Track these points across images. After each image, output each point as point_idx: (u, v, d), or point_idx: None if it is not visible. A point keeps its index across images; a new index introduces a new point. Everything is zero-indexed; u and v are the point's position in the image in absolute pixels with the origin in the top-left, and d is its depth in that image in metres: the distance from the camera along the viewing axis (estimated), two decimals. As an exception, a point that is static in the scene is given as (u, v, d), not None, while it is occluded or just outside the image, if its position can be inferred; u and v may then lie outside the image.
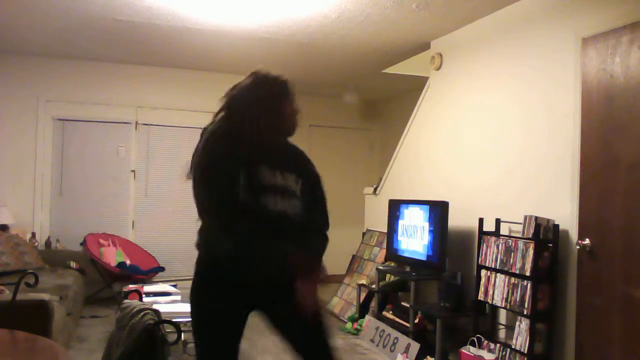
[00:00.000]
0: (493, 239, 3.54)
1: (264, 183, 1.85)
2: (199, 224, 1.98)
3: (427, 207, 4.21)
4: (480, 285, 3.58)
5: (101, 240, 5.51)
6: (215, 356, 1.90)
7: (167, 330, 2.34)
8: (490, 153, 4.00)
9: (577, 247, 3.12)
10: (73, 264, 5.11)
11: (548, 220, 3.26)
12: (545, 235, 3.22)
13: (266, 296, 1.92)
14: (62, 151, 5.89)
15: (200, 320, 1.91)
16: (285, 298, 1.83)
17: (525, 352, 3.17)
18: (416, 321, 4.06)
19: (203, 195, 1.87)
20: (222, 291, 1.88)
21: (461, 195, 4.22)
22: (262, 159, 1.88)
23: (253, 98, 1.94)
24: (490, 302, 3.50)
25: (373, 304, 4.85)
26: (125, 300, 2.83)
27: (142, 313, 2.36)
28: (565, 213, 3.23)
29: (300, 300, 1.80)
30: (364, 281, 5.05)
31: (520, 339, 3.23)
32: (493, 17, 4.04)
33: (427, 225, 4.18)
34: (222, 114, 1.97)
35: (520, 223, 3.41)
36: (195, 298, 1.92)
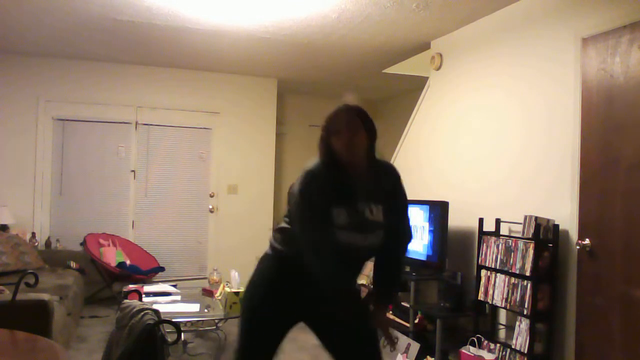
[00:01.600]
0: (493, 239, 3.54)
1: (350, 221, 1.93)
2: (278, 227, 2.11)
3: (427, 207, 4.21)
4: (480, 285, 3.58)
5: (101, 240, 5.51)
6: (256, 350, 2.00)
7: (167, 330, 2.33)
8: (490, 153, 4.00)
9: (577, 247, 3.12)
10: (73, 264, 5.11)
11: (548, 220, 3.26)
12: (545, 235, 3.22)
13: (325, 313, 2.02)
14: (62, 151, 5.89)
15: (254, 315, 2.02)
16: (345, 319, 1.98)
17: (525, 352, 3.17)
18: (416, 321, 4.06)
19: (299, 228, 1.96)
20: (289, 296, 1.99)
21: (461, 195, 4.22)
22: (352, 194, 1.96)
23: (334, 131, 1.99)
24: (490, 302, 3.50)
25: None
26: (125, 300, 2.82)
27: (142, 313, 2.35)
28: (565, 213, 3.23)
29: (377, 325, 2.03)
30: (364, 281, 5.05)
31: (520, 339, 3.23)
32: (493, 17, 4.04)
33: (427, 225, 4.18)
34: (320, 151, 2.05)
35: (520, 223, 3.41)
36: (260, 290, 2.02)
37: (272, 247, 2.10)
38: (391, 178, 2.13)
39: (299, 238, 1.93)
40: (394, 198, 2.11)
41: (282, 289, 2.00)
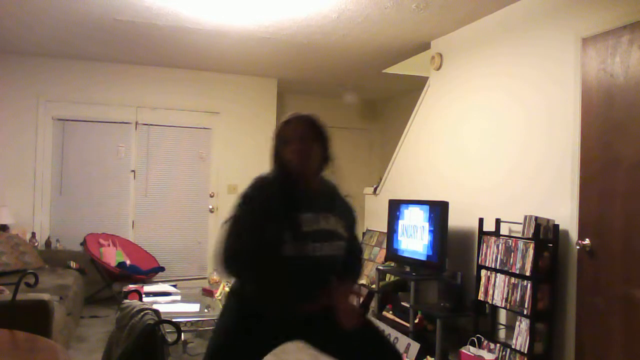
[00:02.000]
0: (493, 239, 3.54)
1: (308, 230, 1.86)
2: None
3: (427, 207, 4.21)
4: (480, 285, 3.58)
5: (101, 240, 5.51)
6: None
7: (167, 330, 2.33)
8: (490, 153, 4.00)
9: (577, 247, 3.12)
10: (73, 264, 5.11)
11: (548, 220, 3.26)
12: (545, 235, 3.22)
13: (306, 329, 1.98)
14: (62, 151, 5.89)
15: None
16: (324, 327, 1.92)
17: (525, 352, 3.17)
18: (416, 321, 4.06)
19: (240, 247, 1.84)
20: (262, 339, 1.92)
21: (461, 196, 4.22)
22: (305, 205, 1.90)
23: (286, 142, 1.92)
24: (490, 302, 3.50)
25: (373, 304, 4.85)
26: (125, 300, 2.83)
27: (142, 313, 2.36)
28: (565, 213, 3.24)
29: (340, 319, 1.88)
30: (364, 281, 5.05)
31: (520, 339, 3.23)
32: (493, 17, 4.04)
33: (427, 225, 4.18)
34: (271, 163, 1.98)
35: (520, 223, 3.41)
36: (230, 342, 1.91)
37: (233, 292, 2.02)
38: (338, 196, 2.09)
39: (237, 255, 1.82)
40: (345, 214, 2.05)
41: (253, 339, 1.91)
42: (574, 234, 3.18)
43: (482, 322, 3.64)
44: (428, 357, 3.77)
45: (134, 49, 5.37)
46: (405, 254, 4.44)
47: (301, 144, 1.90)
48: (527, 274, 3.20)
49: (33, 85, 5.74)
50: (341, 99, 7.39)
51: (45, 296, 3.01)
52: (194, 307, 3.96)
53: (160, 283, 4.77)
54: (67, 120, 5.91)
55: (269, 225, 1.80)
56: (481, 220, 3.70)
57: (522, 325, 3.23)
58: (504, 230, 3.62)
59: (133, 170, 6.12)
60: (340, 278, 1.96)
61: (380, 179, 5.70)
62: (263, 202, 1.84)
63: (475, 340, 3.51)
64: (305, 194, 1.92)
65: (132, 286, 4.36)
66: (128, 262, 5.41)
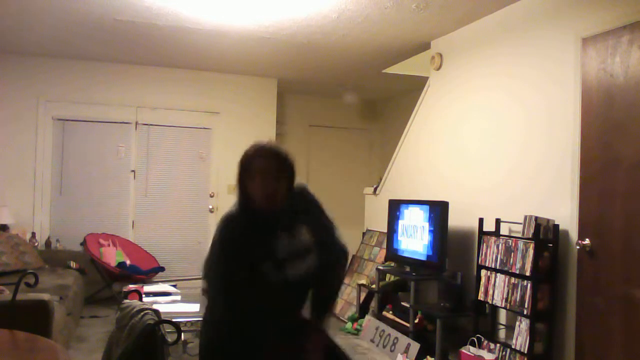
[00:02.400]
0: (493, 239, 3.54)
1: (279, 256, 1.87)
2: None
3: (427, 207, 4.21)
4: (480, 285, 3.58)
5: (101, 240, 5.51)
6: None
7: (167, 330, 2.33)
8: (490, 153, 4.00)
9: (577, 247, 3.12)
10: (73, 264, 5.11)
11: (548, 220, 3.26)
12: (545, 235, 3.22)
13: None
14: (62, 151, 5.89)
15: None
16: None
17: (525, 352, 3.17)
18: (416, 321, 4.06)
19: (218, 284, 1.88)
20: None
21: (461, 196, 4.22)
22: (271, 232, 1.90)
23: (251, 171, 1.91)
24: (490, 302, 3.50)
25: (373, 304, 4.85)
26: (125, 300, 2.82)
27: (142, 313, 2.35)
28: (565, 213, 3.23)
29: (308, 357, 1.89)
30: (364, 281, 5.05)
31: (520, 339, 3.23)
32: (493, 17, 4.04)
33: (427, 225, 4.18)
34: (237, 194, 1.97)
35: (520, 223, 3.41)
36: None
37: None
38: (307, 203, 2.06)
39: (213, 295, 1.85)
40: (313, 219, 2.03)
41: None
42: (574, 234, 3.18)
43: (482, 322, 3.64)
44: (428, 357, 3.77)
45: (134, 49, 5.37)
46: (405, 254, 4.44)
47: (267, 179, 1.88)
48: (527, 274, 3.20)
49: (33, 85, 5.74)
50: (341, 99, 7.39)
51: (45, 296, 3.01)
52: (194, 307, 3.96)
53: (160, 283, 4.77)
54: (67, 120, 5.91)
55: (239, 264, 1.82)
56: (481, 220, 3.70)
57: (522, 325, 3.23)
58: (504, 230, 3.62)
59: (133, 170, 6.12)
60: (315, 300, 1.96)
61: (380, 179, 5.70)
62: (230, 242, 1.87)
63: (475, 340, 3.51)
64: (272, 220, 1.92)
65: (132, 286, 4.37)
66: (128, 262, 5.41)
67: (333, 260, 2.02)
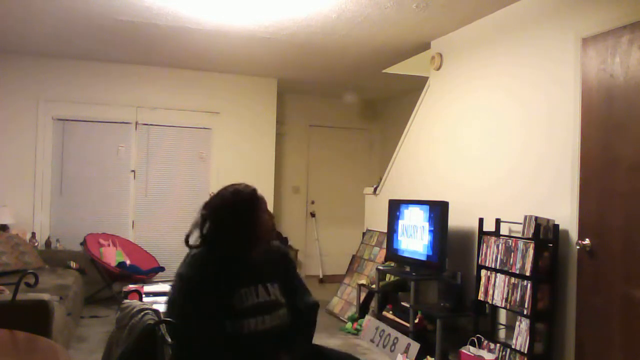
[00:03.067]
0: (493, 239, 3.54)
1: (247, 305, 1.84)
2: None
3: (427, 207, 4.21)
4: (480, 285, 3.58)
5: (101, 240, 5.51)
6: None
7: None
8: (490, 153, 4.00)
9: (577, 247, 3.12)
10: (73, 264, 5.11)
11: (548, 220, 3.26)
12: (545, 235, 3.22)
13: None
14: (62, 151, 5.89)
15: None
16: None
17: (525, 352, 3.17)
18: (416, 321, 4.06)
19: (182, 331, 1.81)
20: None
21: (461, 196, 4.22)
22: (244, 280, 1.87)
23: (227, 217, 1.88)
24: (490, 302, 3.50)
25: (373, 304, 4.85)
26: (125, 300, 2.82)
27: (142, 313, 2.35)
28: (565, 213, 3.23)
29: None
30: (364, 281, 5.05)
31: (520, 339, 3.23)
32: (493, 17, 4.04)
33: (427, 225, 4.18)
34: (201, 233, 1.91)
35: (520, 223, 3.41)
36: None
37: None
38: (283, 259, 2.07)
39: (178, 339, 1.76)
40: (287, 276, 2.03)
41: None
42: (574, 234, 3.18)
43: (482, 322, 3.64)
44: (428, 357, 3.77)
45: (134, 49, 5.37)
46: (405, 254, 4.44)
47: (255, 226, 1.87)
48: (527, 274, 3.20)
49: (33, 85, 5.74)
50: (341, 99, 7.39)
51: (45, 296, 3.01)
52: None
53: (160, 283, 4.77)
54: (67, 120, 5.91)
55: (205, 306, 1.78)
56: (481, 220, 3.70)
57: (522, 325, 3.23)
58: (504, 230, 3.62)
59: (133, 170, 6.12)
60: (290, 349, 1.92)
61: (380, 179, 5.70)
62: (198, 283, 1.82)
63: (475, 340, 3.51)
64: (243, 268, 1.90)
65: (132, 286, 4.37)
66: (128, 262, 5.41)
67: (309, 338, 2.03)
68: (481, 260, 3.61)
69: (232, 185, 1.96)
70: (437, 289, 4.15)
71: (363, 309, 4.92)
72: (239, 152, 6.48)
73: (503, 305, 3.39)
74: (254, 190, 1.94)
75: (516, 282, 3.30)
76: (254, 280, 1.90)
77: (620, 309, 2.88)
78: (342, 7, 4.00)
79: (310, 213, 7.48)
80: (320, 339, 4.36)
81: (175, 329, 1.77)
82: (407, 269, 4.50)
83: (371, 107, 8.02)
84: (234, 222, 1.87)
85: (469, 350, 3.46)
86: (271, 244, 2.03)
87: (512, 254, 3.35)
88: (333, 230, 7.48)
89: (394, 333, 4.12)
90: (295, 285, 2.07)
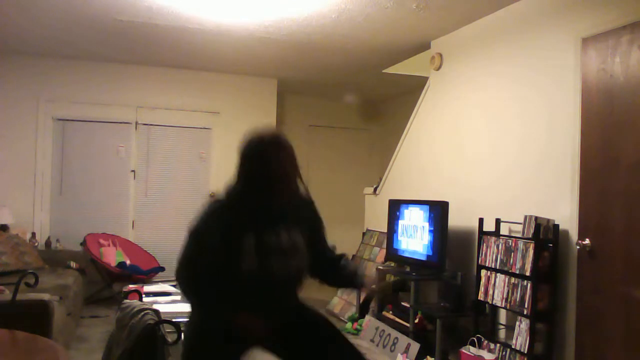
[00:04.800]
0: (493, 239, 3.54)
1: (271, 247, 1.87)
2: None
3: (427, 207, 4.21)
4: (480, 285, 3.58)
5: (101, 240, 5.51)
6: None
7: (167, 330, 2.33)
8: (490, 153, 4.00)
9: (577, 247, 3.12)
10: (73, 264, 5.10)
11: (548, 220, 3.26)
12: (545, 235, 3.22)
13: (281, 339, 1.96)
14: (62, 151, 5.89)
15: None
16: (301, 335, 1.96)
17: (525, 352, 3.17)
18: (416, 321, 4.06)
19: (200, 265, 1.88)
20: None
21: (461, 195, 4.22)
22: (269, 223, 1.91)
23: (259, 162, 1.92)
24: (490, 302, 3.50)
25: (373, 304, 4.85)
26: (125, 300, 2.82)
27: (142, 313, 2.35)
28: (565, 213, 3.23)
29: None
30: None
31: (520, 339, 3.23)
32: (493, 17, 4.04)
33: (427, 225, 4.18)
34: (236, 178, 1.97)
35: (520, 223, 3.41)
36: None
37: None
38: (307, 205, 2.09)
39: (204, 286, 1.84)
40: (312, 223, 2.07)
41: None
42: (574, 234, 3.18)
43: (482, 322, 3.64)
44: (428, 357, 3.77)
45: (134, 49, 5.37)
46: (405, 254, 4.44)
47: (283, 167, 1.90)
48: (527, 274, 3.20)
49: (33, 86, 5.74)
50: (341, 99, 7.39)
51: (45, 296, 3.01)
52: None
53: (160, 283, 4.76)
54: (67, 120, 5.91)
55: (230, 241, 1.81)
56: (481, 220, 3.70)
57: (522, 325, 3.23)
58: (504, 230, 3.62)
59: (133, 170, 6.12)
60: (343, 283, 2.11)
61: (380, 179, 5.70)
62: (226, 218, 1.86)
63: (475, 340, 3.51)
64: (273, 209, 1.93)
65: (132, 286, 4.35)
66: (128, 262, 5.41)
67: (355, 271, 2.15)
68: (481, 260, 3.61)
69: (262, 130, 2.02)
70: (437, 289, 4.15)
71: (363, 309, 4.92)
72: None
73: (503, 305, 3.39)
74: (280, 137, 2.00)
75: (516, 282, 3.30)
76: (277, 224, 1.92)
77: (620, 309, 2.88)
78: (342, 7, 4.00)
79: (311, 213, 7.44)
80: (320, 339, 4.36)
81: (200, 283, 1.85)
82: (407, 269, 4.50)
83: (371, 107, 8.02)
84: (258, 164, 1.90)
85: (469, 350, 3.46)
86: (298, 193, 2.05)
87: (512, 254, 3.35)
88: (333, 230, 7.43)
89: (394, 333, 4.12)
90: (321, 237, 2.11)
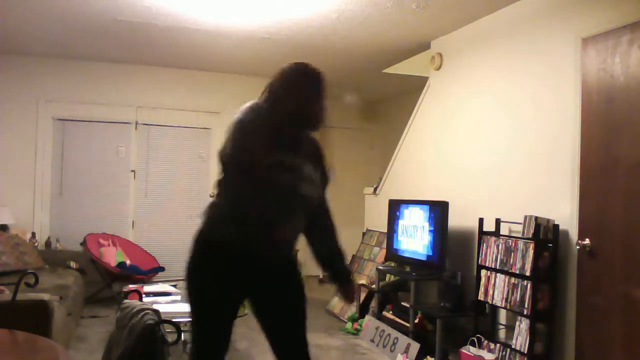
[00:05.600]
0: (493, 239, 3.54)
1: (290, 164, 1.90)
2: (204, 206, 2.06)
3: (427, 207, 4.21)
4: (480, 285, 3.58)
5: (101, 240, 5.51)
6: (210, 335, 1.95)
7: (167, 330, 2.33)
8: (490, 152, 3.99)
9: (577, 247, 3.12)
10: (73, 264, 5.11)
11: (548, 220, 3.26)
12: (545, 235, 3.22)
13: (262, 280, 1.99)
14: (62, 151, 5.89)
15: (198, 297, 1.96)
16: (278, 286, 2.00)
17: (525, 352, 3.17)
18: (416, 321, 4.06)
19: (240, 151, 1.87)
20: (223, 268, 1.92)
21: (461, 195, 4.22)
22: (289, 146, 1.93)
23: (290, 88, 2.00)
24: (490, 302, 3.50)
25: (373, 304, 4.84)
26: (125, 300, 2.82)
27: (142, 313, 2.35)
28: (565, 213, 3.23)
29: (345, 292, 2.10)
30: (364, 281, 5.05)
31: (520, 339, 3.23)
32: (493, 17, 4.04)
33: (427, 225, 4.18)
34: (264, 97, 2.06)
35: (520, 223, 3.41)
36: (195, 276, 1.97)
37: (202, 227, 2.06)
38: (320, 154, 2.16)
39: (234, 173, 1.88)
40: (320, 170, 2.10)
41: (216, 263, 1.95)
42: (574, 234, 3.18)
43: (482, 322, 3.64)
44: (428, 357, 3.77)
45: (133, 48, 5.37)
46: (405, 254, 4.44)
47: (319, 102, 1.99)
48: (527, 274, 3.20)
49: (33, 86, 5.74)
50: (341, 99, 7.38)
51: (45, 296, 3.01)
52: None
53: (160, 283, 4.77)
54: (67, 120, 5.91)
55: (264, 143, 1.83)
56: (481, 220, 3.70)
57: (522, 325, 3.23)
58: (504, 230, 3.62)
59: (133, 170, 6.12)
60: (316, 237, 2.13)
61: (380, 179, 5.70)
62: (265, 125, 1.90)
63: (475, 340, 3.51)
64: (291, 138, 1.97)
65: (132, 286, 4.36)
66: (128, 262, 5.41)
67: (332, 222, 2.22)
68: (481, 260, 3.61)
69: (302, 64, 2.08)
70: (437, 289, 4.15)
71: (363, 309, 4.92)
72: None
73: (503, 305, 3.39)
74: (322, 78, 2.04)
75: (516, 282, 3.30)
76: (295, 151, 1.96)
77: (620, 309, 2.88)
78: (342, 8, 4.00)
79: (311, 213, 7.45)
80: (320, 338, 4.37)
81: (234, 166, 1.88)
82: (407, 269, 4.50)
83: (371, 107, 8.02)
84: (292, 96, 1.98)
85: (469, 350, 3.46)
86: (314, 138, 2.14)
87: (512, 254, 3.35)
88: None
89: (394, 333, 4.12)
90: (326, 180, 2.15)
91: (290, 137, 1.95)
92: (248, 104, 1.97)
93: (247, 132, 1.86)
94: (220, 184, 1.98)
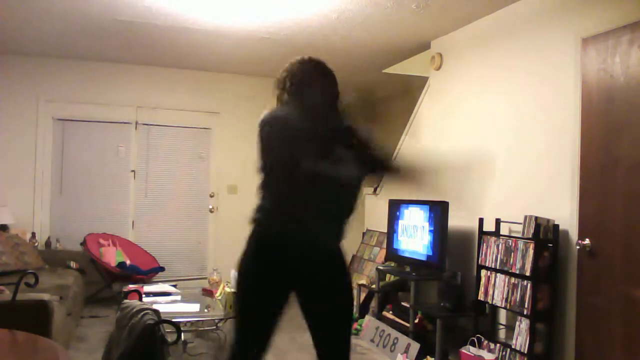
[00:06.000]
0: (493, 239, 3.54)
1: (331, 159, 1.97)
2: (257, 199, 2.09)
3: (427, 207, 4.21)
4: (480, 285, 3.58)
5: (101, 240, 5.51)
6: (254, 327, 2.00)
7: (167, 330, 2.33)
8: (489, 152, 3.99)
9: (577, 247, 3.12)
10: (73, 264, 5.10)
11: (548, 220, 3.26)
12: (545, 235, 3.22)
13: (311, 279, 2.04)
14: (62, 151, 5.89)
15: (247, 288, 2.02)
16: (326, 286, 2.04)
17: (525, 352, 3.17)
18: (416, 321, 4.06)
19: (281, 155, 1.99)
20: (274, 262, 1.97)
21: (461, 195, 4.21)
22: (326, 140, 2.02)
23: (312, 83, 2.18)
24: (490, 302, 3.50)
25: (373, 304, 4.85)
26: (125, 300, 2.82)
27: (142, 313, 2.35)
28: (565, 213, 3.23)
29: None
30: (364, 281, 5.05)
31: (520, 339, 3.23)
32: (493, 17, 4.04)
33: (427, 225, 4.18)
34: (285, 97, 2.23)
35: (520, 223, 3.41)
36: (247, 266, 2.02)
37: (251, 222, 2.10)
38: (350, 135, 2.22)
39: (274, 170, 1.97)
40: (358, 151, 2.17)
41: (266, 262, 1.99)
42: (574, 234, 3.18)
43: (482, 322, 3.64)
44: (428, 357, 3.77)
45: (134, 49, 5.37)
46: (405, 254, 4.44)
47: (334, 95, 2.16)
48: (527, 274, 3.21)
49: (33, 85, 5.73)
50: (341, 98, 7.38)
51: (45, 296, 3.01)
52: (194, 307, 3.96)
53: (160, 283, 4.77)
54: (67, 120, 5.91)
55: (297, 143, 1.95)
56: (481, 220, 3.70)
57: (522, 325, 3.23)
58: (504, 230, 3.62)
59: (133, 170, 6.12)
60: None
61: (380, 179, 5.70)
62: (292, 125, 2.05)
63: (475, 340, 3.51)
64: (322, 129, 2.07)
65: (132, 286, 4.36)
66: (128, 262, 5.40)
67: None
68: (481, 260, 3.61)
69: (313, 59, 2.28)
70: (437, 289, 4.15)
71: (363, 309, 4.92)
72: (239, 152, 6.47)
73: (503, 305, 3.39)
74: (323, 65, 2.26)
75: (516, 282, 3.30)
76: (328, 140, 2.04)
77: (620, 309, 2.88)
78: (342, 8, 4.00)
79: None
80: (320, 339, 4.36)
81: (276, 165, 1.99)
82: (407, 269, 4.50)
83: (371, 107, 8.02)
84: (310, 90, 2.16)
85: (469, 350, 3.46)
86: (342, 118, 2.26)
87: (512, 254, 3.35)
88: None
89: (394, 333, 4.12)
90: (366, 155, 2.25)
91: (324, 130, 2.04)
92: (274, 109, 2.19)
93: (284, 135, 1.99)
94: (263, 186, 2.04)
